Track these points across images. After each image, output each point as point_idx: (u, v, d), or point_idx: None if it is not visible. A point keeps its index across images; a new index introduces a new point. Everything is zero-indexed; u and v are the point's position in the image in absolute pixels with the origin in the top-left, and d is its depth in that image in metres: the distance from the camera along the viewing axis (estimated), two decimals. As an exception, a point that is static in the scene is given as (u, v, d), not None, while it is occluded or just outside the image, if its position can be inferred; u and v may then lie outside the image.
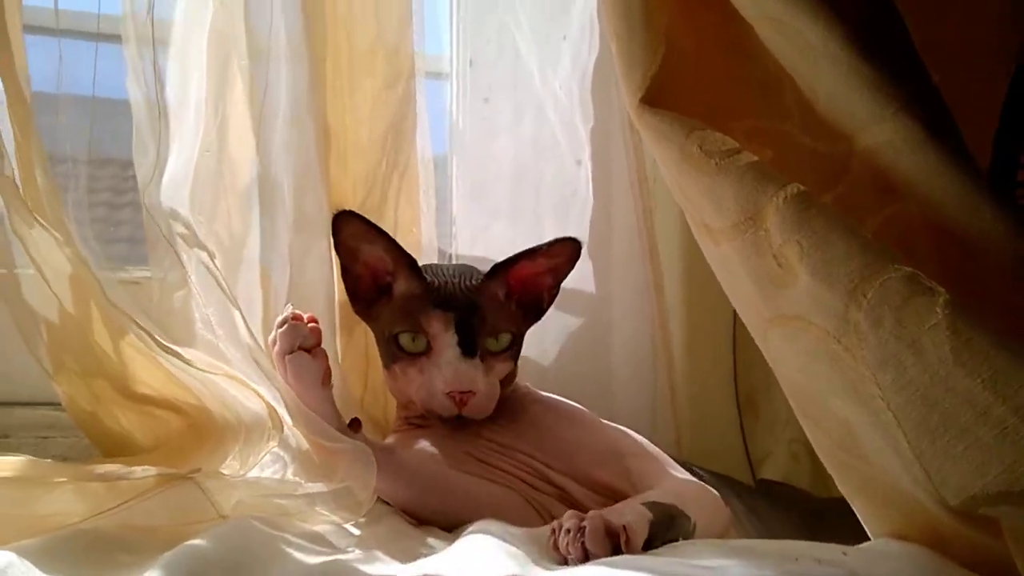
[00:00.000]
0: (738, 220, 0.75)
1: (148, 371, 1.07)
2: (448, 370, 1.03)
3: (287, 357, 0.97)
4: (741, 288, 0.80)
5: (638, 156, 1.47)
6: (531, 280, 1.14)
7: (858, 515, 0.82)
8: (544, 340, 1.47)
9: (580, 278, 1.46)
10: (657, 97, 0.84)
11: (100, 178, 1.81)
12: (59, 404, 1.16)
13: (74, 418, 1.17)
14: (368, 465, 0.92)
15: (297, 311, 0.98)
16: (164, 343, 1.02)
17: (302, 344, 0.97)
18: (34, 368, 1.10)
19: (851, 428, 0.72)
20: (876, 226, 0.75)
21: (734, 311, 1.43)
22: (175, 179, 1.12)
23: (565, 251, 1.13)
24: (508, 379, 1.12)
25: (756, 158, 0.76)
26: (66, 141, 1.14)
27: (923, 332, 0.63)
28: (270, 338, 1.00)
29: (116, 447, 1.17)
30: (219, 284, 1.03)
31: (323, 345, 1.00)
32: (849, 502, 0.82)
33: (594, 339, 1.50)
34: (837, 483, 0.83)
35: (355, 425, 0.99)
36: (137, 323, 1.02)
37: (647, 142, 0.86)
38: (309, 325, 0.98)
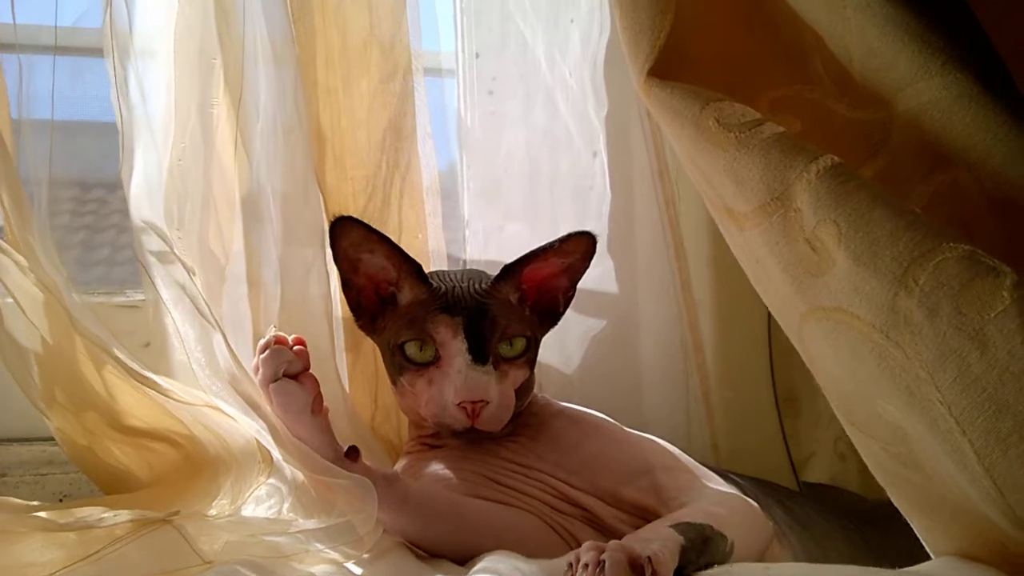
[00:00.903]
0: (764, 201, 0.66)
1: (135, 400, 1.01)
2: (459, 379, 0.94)
3: (271, 386, 0.89)
4: (770, 279, 0.71)
5: (657, 143, 1.39)
6: (545, 282, 1.05)
7: (917, 532, 0.73)
8: (566, 346, 1.39)
9: (601, 277, 1.39)
10: (666, 69, 0.75)
11: (105, 200, 1.77)
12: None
13: (69, 454, 1.11)
14: (369, 498, 0.84)
15: (280, 334, 0.91)
16: (140, 372, 0.95)
17: (287, 370, 0.89)
18: (28, 403, 1.04)
19: (905, 435, 0.64)
20: (924, 199, 0.67)
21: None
22: (149, 191, 1.06)
23: (579, 247, 1.03)
24: (525, 389, 1.02)
25: (782, 129, 0.67)
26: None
27: (988, 321, 0.55)
28: (252, 364, 0.92)
29: (114, 482, 1.11)
30: (195, 305, 0.96)
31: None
32: (906, 518, 0.73)
33: (620, 342, 1.41)
34: (892, 497, 0.75)
35: (353, 454, 0.90)
36: (109, 352, 0.95)
37: (658, 120, 0.77)
38: (295, 348, 0.90)
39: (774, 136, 0.66)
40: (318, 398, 0.90)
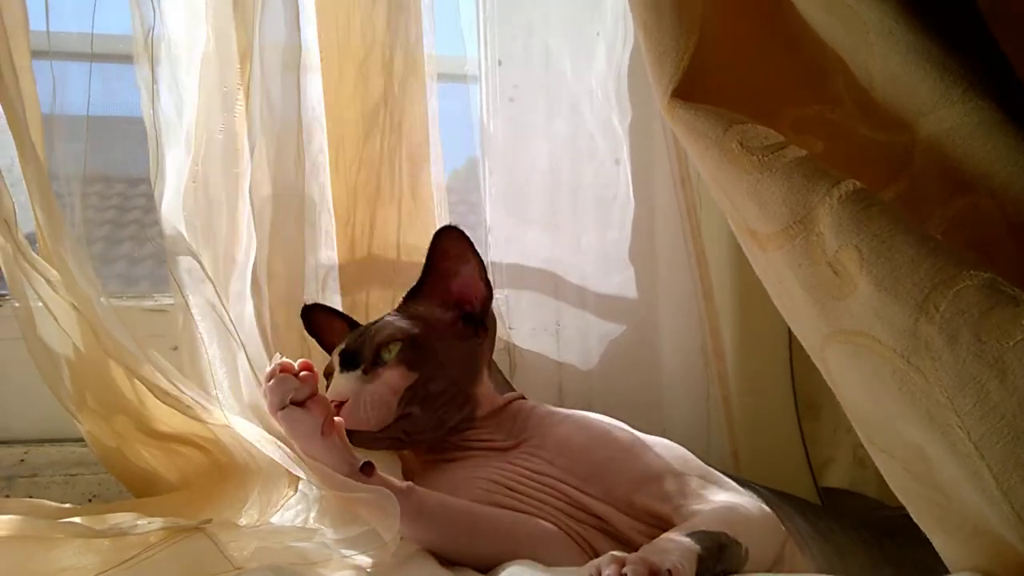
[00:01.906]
0: (787, 223, 0.67)
1: (162, 408, 1.02)
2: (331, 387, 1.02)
3: (278, 414, 0.89)
4: (793, 300, 0.72)
5: (680, 151, 1.38)
6: (457, 289, 1.10)
7: (937, 548, 0.73)
8: (588, 351, 1.40)
9: (622, 284, 1.40)
10: (690, 90, 0.76)
11: (131, 196, 1.79)
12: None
13: (99, 456, 1.13)
14: (390, 507, 0.85)
15: (286, 360, 0.91)
16: (164, 390, 0.97)
17: (293, 398, 0.89)
18: (59, 404, 1.06)
19: (925, 455, 0.64)
20: (945, 223, 0.67)
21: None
22: (179, 201, 1.08)
23: (439, 248, 1.09)
24: (457, 380, 1.05)
25: (805, 153, 0.68)
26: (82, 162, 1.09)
27: (1007, 349, 0.55)
28: (261, 391, 0.93)
29: (143, 485, 1.12)
30: (222, 321, 0.97)
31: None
32: (925, 532, 0.74)
33: (641, 349, 1.41)
34: (911, 512, 0.74)
35: (368, 469, 0.90)
36: (136, 368, 0.97)
37: (682, 141, 0.78)
38: (301, 374, 0.90)
39: (797, 160, 0.67)
40: (328, 420, 0.90)
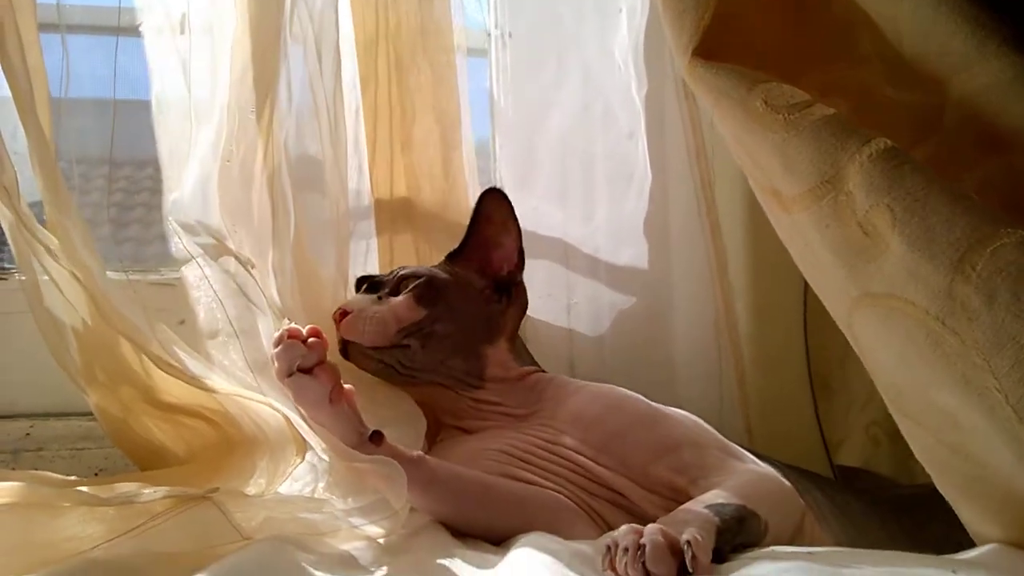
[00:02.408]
0: (814, 184, 0.65)
1: (168, 379, 1.00)
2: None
3: (285, 380, 0.88)
4: (819, 263, 0.70)
5: (695, 123, 1.36)
6: (488, 255, 1.13)
7: (963, 519, 0.71)
8: (601, 323, 1.39)
9: (636, 257, 1.39)
10: (712, 49, 0.74)
11: (137, 179, 1.78)
12: (92, 414, 1.10)
13: (106, 430, 1.11)
14: (397, 478, 0.83)
15: (294, 326, 0.89)
16: (169, 361, 0.96)
17: (301, 364, 0.87)
18: (66, 378, 1.05)
19: (957, 422, 0.62)
20: (977, 183, 0.65)
21: (805, 287, 1.33)
22: (202, 183, 1.07)
23: (483, 212, 1.12)
24: (501, 351, 1.08)
25: (832, 111, 0.65)
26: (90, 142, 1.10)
27: None
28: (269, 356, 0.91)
29: (151, 458, 1.11)
30: (244, 292, 0.97)
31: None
32: (951, 504, 0.72)
33: (653, 323, 1.39)
34: (937, 483, 0.73)
35: (377, 438, 0.88)
36: (139, 340, 0.96)
37: (704, 102, 0.76)
38: (310, 340, 0.88)
39: (824, 118, 0.65)
40: (336, 388, 0.88)
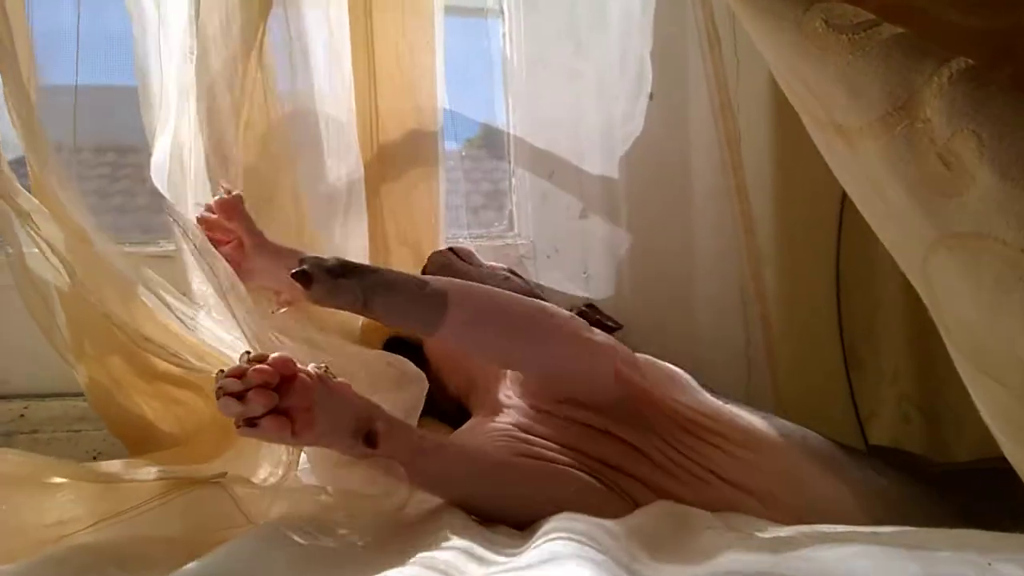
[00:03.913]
0: (885, 111, 0.57)
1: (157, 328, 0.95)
2: None
3: (239, 431, 0.74)
4: (888, 205, 0.62)
5: (720, 81, 1.32)
6: None
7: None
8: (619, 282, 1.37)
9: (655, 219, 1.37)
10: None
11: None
12: (90, 394, 1.07)
13: (97, 410, 1.06)
14: (396, 474, 0.81)
15: (228, 379, 0.72)
16: (147, 338, 0.91)
17: (246, 418, 0.73)
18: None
19: (1046, 380, 0.55)
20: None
21: (838, 251, 1.27)
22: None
23: None
24: None
25: (902, 30, 0.58)
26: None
27: None
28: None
29: (142, 440, 1.05)
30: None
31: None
32: (1019, 472, 0.65)
33: (674, 292, 1.37)
34: (1008, 450, 0.65)
35: (371, 440, 0.80)
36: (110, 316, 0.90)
37: (748, 25, 0.68)
38: (249, 393, 0.72)
39: (894, 37, 0.57)
40: (299, 422, 0.74)
